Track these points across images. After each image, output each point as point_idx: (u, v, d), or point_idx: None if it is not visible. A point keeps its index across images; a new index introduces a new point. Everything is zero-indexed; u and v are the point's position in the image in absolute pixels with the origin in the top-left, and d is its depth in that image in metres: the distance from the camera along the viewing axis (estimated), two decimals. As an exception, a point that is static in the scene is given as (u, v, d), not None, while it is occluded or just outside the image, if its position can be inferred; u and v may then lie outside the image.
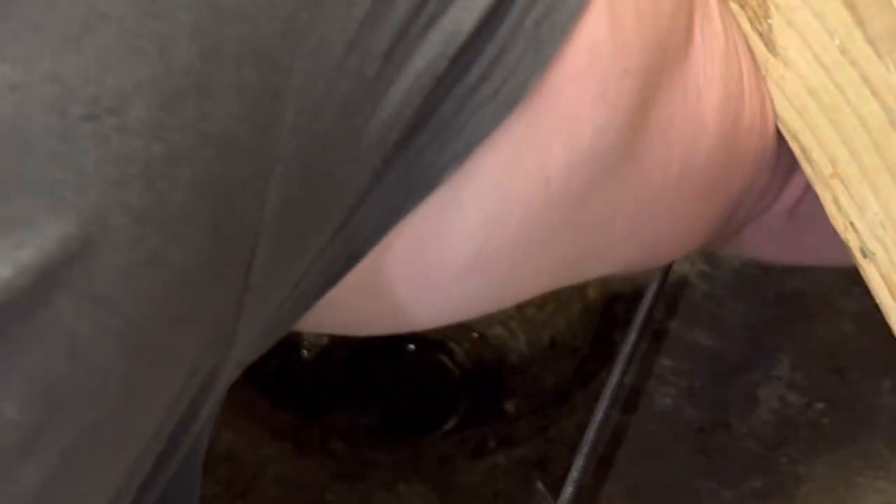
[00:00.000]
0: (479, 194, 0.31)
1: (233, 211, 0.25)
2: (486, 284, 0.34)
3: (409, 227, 0.30)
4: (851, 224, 0.36)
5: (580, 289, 0.66)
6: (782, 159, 0.39)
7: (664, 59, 0.33)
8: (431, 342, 0.72)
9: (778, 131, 0.37)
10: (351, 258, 0.30)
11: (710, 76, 0.35)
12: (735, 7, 0.35)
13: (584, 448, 0.54)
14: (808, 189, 0.40)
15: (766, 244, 0.44)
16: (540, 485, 0.55)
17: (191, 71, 0.23)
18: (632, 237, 0.37)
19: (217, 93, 0.24)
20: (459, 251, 0.32)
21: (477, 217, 0.31)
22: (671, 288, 0.62)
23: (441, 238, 0.31)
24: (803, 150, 0.36)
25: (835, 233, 0.37)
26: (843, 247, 0.37)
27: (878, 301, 0.37)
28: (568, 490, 0.52)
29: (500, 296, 0.36)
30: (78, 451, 0.23)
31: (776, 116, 0.37)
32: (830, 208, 0.36)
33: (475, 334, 0.72)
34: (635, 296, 0.62)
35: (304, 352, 0.71)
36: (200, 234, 0.24)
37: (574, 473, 0.53)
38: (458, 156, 0.29)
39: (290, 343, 0.71)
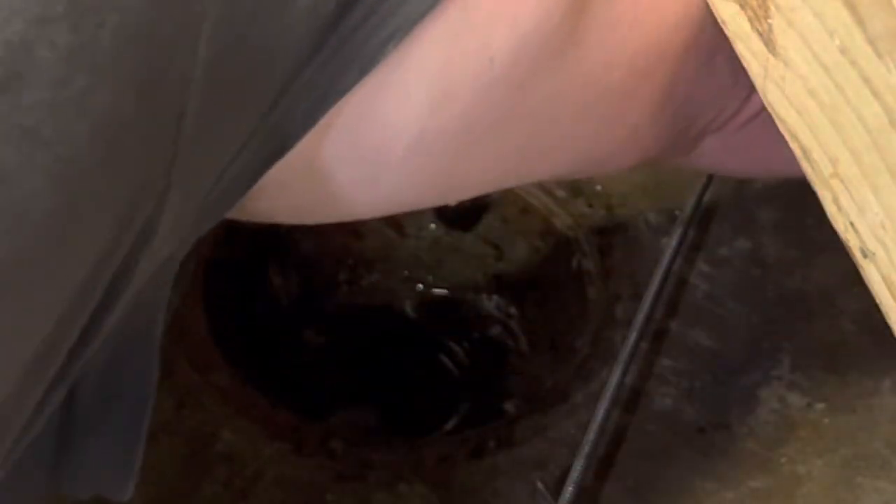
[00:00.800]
0: (422, 73, 0.31)
1: (163, 62, 0.25)
2: (432, 169, 0.34)
3: (350, 105, 0.30)
4: (851, 224, 0.36)
5: (580, 289, 0.66)
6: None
7: None
8: (431, 342, 0.72)
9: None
10: (291, 134, 0.29)
11: None
12: (735, 7, 0.35)
13: (584, 448, 0.54)
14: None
15: (726, 157, 0.44)
16: (540, 485, 0.55)
17: None
18: (582, 132, 0.37)
19: None
20: (403, 132, 0.32)
21: (420, 96, 0.31)
22: (671, 288, 0.62)
23: (383, 118, 0.31)
24: (803, 150, 0.36)
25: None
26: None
27: (878, 301, 0.37)
28: (568, 490, 0.52)
29: (448, 183, 0.36)
30: (3, 279, 0.24)
31: (777, 119, 0.36)
32: (830, 208, 0.36)
33: (475, 334, 0.72)
34: (635, 296, 0.62)
35: (305, 352, 0.71)
36: (129, 79, 0.24)
37: (574, 474, 0.53)
38: (396, 32, 0.29)
39: (290, 343, 0.71)
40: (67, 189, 0.24)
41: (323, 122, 0.30)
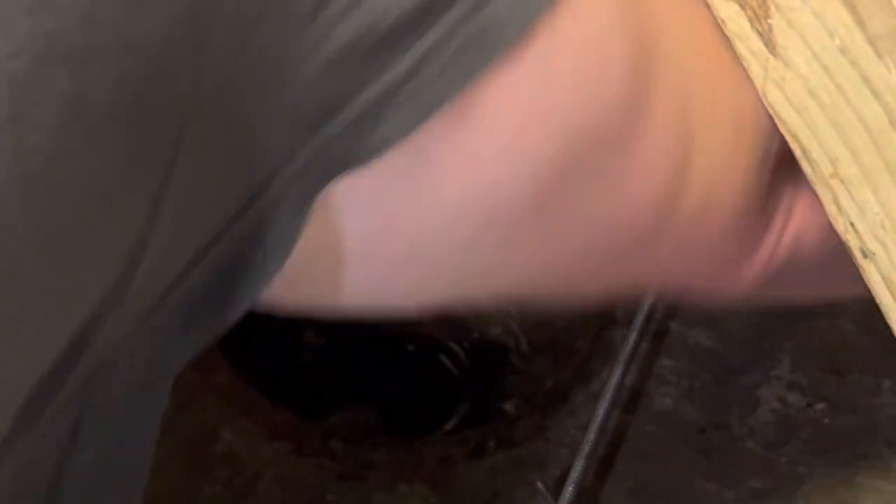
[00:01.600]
0: (446, 177, 0.30)
1: (155, 123, 0.26)
2: (473, 267, 0.33)
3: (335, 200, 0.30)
4: (851, 224, 0.36)
5: (580, 289, 0.66)
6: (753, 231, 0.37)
7: (599, 135, 0.32)
8: (431, 342, 0.72)
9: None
10: (287, 231, 0.29)
11: (654, 166, 0.33)
12: (735, 7, 0.35)
13: (585, 448, 0.54)
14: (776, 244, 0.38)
15: (795, 282, 0.42)
16: (540, 485, 0.55)
17: None
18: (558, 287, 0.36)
19: (146, 5, 0.25)
20: (436, 231, 0.31)
21: (449, 203, 0.31)
22: (671, 288, 0.62)
23: (369, 228, 0.31)
24: (803, 150, 0.36)
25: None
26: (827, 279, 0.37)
27: (878, 301, 0.37)
28: (568, 490, 0.52)
29: (489, 283, 0.35)
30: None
31: (777, 119, 0.37)
32: (830, 208, 0.36)
33: (475, 334, 0.72)
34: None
35: (304, 352, 0.71)
36: (120, 136, 0.25)
37: (574, 474, 0.53)
38: (373, 149, 0.29)
39: (290, 343, 0.71)
40: (53, 239, 0.24)
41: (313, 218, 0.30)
